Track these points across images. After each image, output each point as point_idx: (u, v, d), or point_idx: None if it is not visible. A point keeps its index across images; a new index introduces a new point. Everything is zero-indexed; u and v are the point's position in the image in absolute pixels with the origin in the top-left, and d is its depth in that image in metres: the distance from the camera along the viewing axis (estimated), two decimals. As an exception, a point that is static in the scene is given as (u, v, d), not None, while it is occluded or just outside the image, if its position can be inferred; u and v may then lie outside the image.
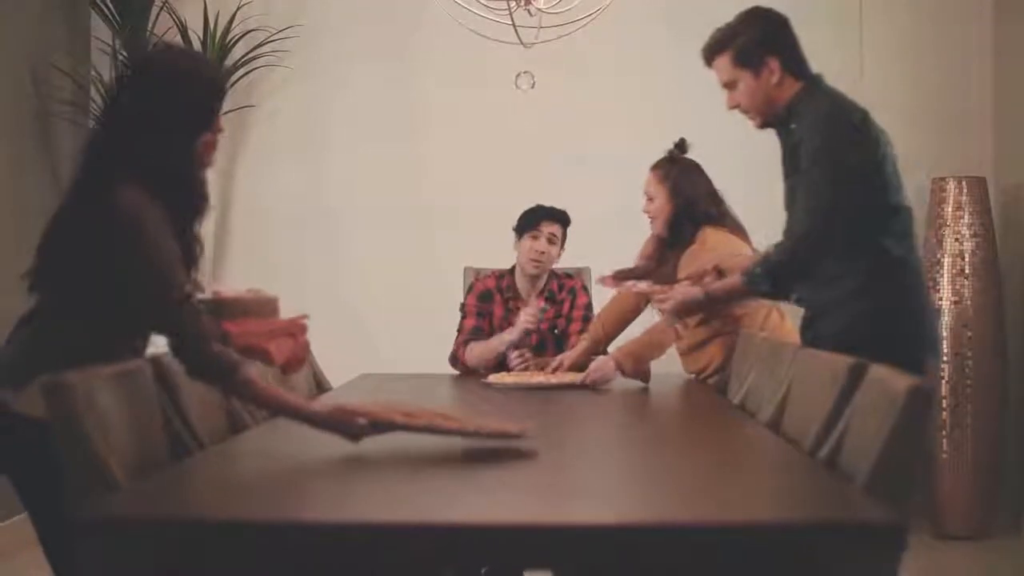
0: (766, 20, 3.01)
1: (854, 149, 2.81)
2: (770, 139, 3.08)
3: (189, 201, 2.31)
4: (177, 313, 2.15)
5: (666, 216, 3.65)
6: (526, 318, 3.74)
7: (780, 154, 3.00)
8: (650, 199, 3.69)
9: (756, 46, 2.95)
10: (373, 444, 2.15)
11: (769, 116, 3.00)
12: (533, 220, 3.89)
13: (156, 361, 2.30)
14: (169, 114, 2.25)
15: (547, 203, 3.95)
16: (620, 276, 3.29)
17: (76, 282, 2.21)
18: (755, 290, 2.93)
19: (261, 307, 2.47)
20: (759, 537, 1.57)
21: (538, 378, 3.44)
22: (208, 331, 2.18)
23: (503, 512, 1.72)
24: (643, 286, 3.03)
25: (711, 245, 3.52)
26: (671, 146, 3.70)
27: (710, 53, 3.04)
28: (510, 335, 3.77)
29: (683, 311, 3.10)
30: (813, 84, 2.97)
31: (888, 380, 1.99)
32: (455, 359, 3.93)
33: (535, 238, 3.87)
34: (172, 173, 2.26)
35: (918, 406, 1.86)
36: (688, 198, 3.62)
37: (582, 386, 3.37)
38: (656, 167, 3.70)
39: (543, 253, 3.87)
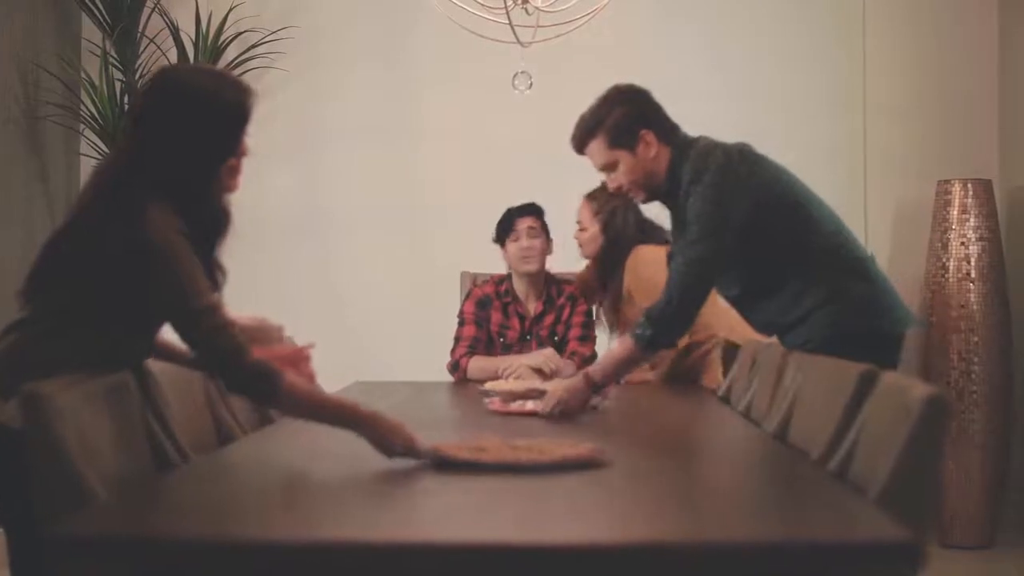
0: (630, 96, 3.02)
1: (734, 199, 2.83)
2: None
3: (212, 225, 2.25)
4: (206, 323, 2.07)
5: (596, 248, 3.83)
6: (541, 360, 3.67)
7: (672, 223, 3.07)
8: (582, 228, 3.87)
9: (628, 123, 2.96)
10: (365, 456, 2.07)
11: (652, 189, 3.02)
12: (507, 223, 3.94)
13: (139, 370, 2.22)
14: (194, 138, 2.18)
15: (546, 205, 3.96)
16: (508, 399, 3.16)
17: (83, 295, 2.13)
18: (648, 347, 2.91)
19: (264, 335, 2.39)
20: (769, 557, 1.48)
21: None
22: (243, 343, 2.09)
23: (501, 531, 1.64)
24: (531, 406, 2.98)
25: (643, 259, 3.70)
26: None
27: (581, 141, 3.02)
28: (517, 363, 3.69)
29: (572, 409, 2.92)
30: (684, 146, 2.97)
31: (903, 388, 1.91)
32: (455, 367, 3.88)
33: (516, 239, 3.91)
34: (196, 198, 2.20)
35: (936, 416, 1.78)
36: (617, 233, 3.79)
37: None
38: (591, 197, 3.84)
39: (529, 248, 3.89)
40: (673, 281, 2.88)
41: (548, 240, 3.95)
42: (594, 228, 3.82)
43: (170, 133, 2.18)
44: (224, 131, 2.22)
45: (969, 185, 4.63)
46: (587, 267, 4.03)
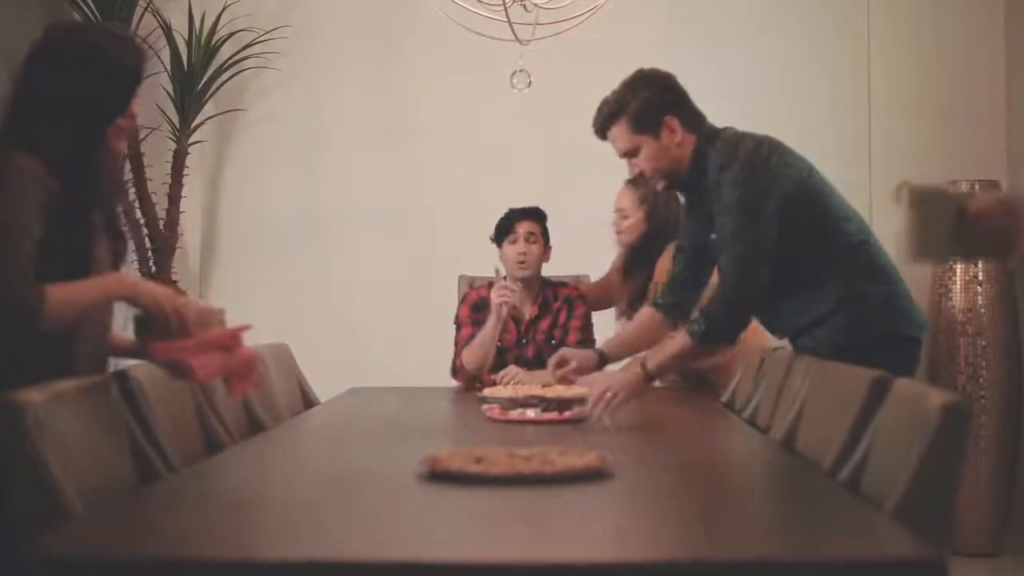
0: (654, 80, 2.93)
1: (764, 187, 2.77)
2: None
3: (94, 187, 2.18)
4: None
5: (638, 235, 3.73)
6: (497, 295, 3.65)
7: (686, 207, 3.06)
8: (624, 216, 3.76)
9: (653, 108, 2.88)
10: (357, 469, 1.99)
11: (674, 177, 2.94)
12: (507, 224, 3.87)
13: (123, 376, 2.15)
14: (78, 97, 2.14)
15: (545, 206, 3.89)
16: (508, 406, 3.05)
17: None
18: (702, 342, 2.82)
19: (204, 319, 2.24)
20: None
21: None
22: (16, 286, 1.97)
23: (501, 549, 1.56)
24: (531, 415, 2.87)
25: None
26: None
27: (603, 125, 2.94)
28: (490, 321, 3.67)
29: (632, 396, 2.84)
30: (711, 135, 2.90)
31: (918, 396, 1.84)
32: (456, 370, 3.82)
33: (513, 242, 3.84)
34: (76, 159, 2.13)
35: (955, 425, 1.70)
36: (662, 223, 3.68)
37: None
38: (634, 184, 3.71)
39: (524, 253, 3.82)
40: (725, 278, 2.81)
41: (547, 247, 3.87)
42: (638, 215, 3.72)
43: (55, 89, 2.14)
44: (110, 90, 2.18)
45: (977, 186, 4.55)
46: (609, 275, 3.98)
